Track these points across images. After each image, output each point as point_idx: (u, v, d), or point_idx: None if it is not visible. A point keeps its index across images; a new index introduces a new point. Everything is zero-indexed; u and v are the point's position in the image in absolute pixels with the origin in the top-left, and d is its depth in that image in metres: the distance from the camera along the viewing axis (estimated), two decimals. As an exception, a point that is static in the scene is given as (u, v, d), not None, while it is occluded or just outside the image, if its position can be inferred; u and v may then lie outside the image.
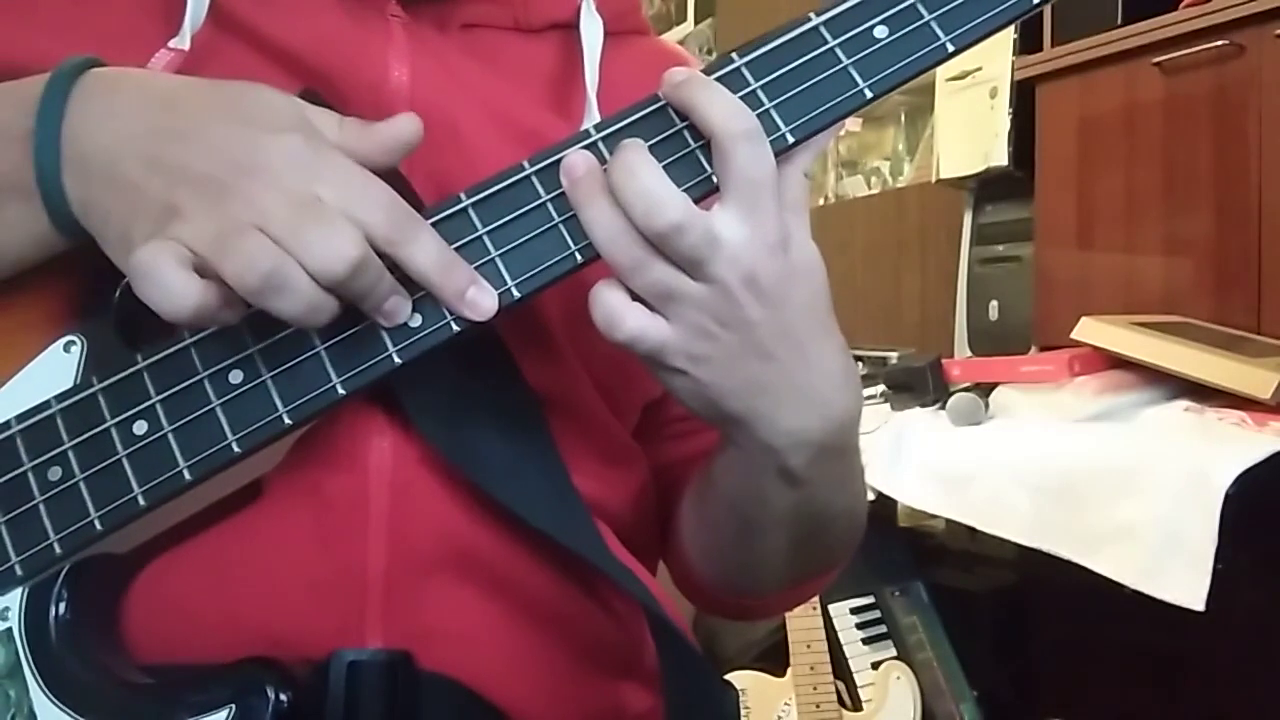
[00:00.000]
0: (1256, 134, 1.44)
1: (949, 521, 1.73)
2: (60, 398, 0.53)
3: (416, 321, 0.52)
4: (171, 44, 0.58)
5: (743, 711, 1.75)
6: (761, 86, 0.53)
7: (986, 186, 1.95)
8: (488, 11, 0.67)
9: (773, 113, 0.53)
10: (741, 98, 0.52)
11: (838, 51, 0.53)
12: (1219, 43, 1.46)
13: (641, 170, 0.50)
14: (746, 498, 0.61)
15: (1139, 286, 1.60)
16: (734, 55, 0.54)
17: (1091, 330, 1.42)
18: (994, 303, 1.90)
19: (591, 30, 0.68)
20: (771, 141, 0.52)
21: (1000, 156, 1.84)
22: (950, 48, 0.54)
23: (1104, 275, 1.65)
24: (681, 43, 3.29)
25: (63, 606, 0.52)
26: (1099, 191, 1.66)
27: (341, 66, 0.60)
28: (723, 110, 0.51)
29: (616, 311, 0.52)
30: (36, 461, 0.52)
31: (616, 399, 0.67)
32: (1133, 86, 1.60)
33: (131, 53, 0.57)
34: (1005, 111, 1.83)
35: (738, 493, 0.61)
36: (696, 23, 3.29)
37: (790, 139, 0.53)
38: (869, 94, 0.53)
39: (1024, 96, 1.78)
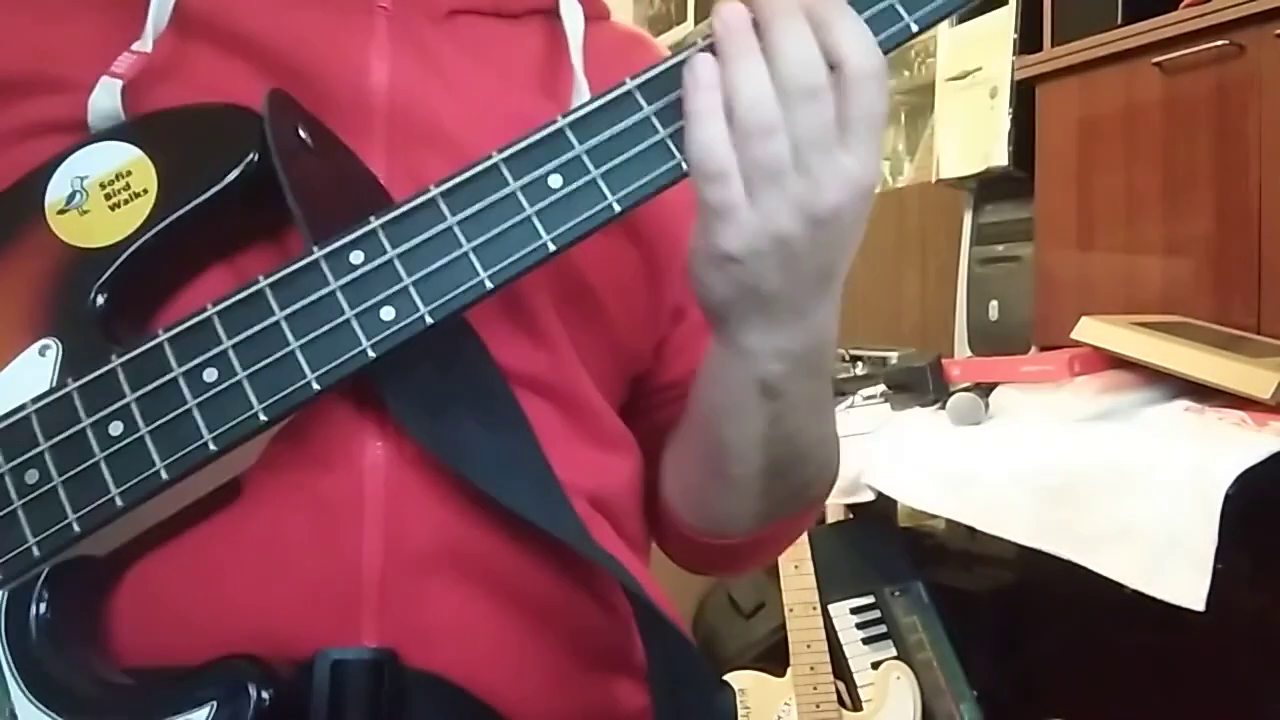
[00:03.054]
0: (1256, 134, 1.44)
1: (949, 521, 1.73)
2: (35, 399, 0.52)
3: (389, 315, 0.52)
4: (134, 47, 0.58)
5: (743, 711, 1.75)
6: None
7: (986, 186, 1.94)
8: None
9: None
10: None
11: None
12: (1219, 43, 1.46)
13: (814, 27, 0.51)
14: (725, 414, 0.61)
15: (1139, 286, 1.60)
16: None
17: (1091, 330, 1.42)
18: (994, 303, 1.90)
19: (572, 14, 0.69)
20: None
21: (1000, 156, 1.84)
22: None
23: (1104, 275, 1.64)
24: (681, 43, 3.29)
25: (44, 609, 0.52)
26: (1099, 191, 1.65)
27: (320, 64, 0.60)
28: (860, 46, 0.52)
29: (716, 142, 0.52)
30: (13, 465, 0.52)
31: (607, 384, 0.67)
32: (1133, 86, 1.59)
33: (95, 59, 0.58)
34: (1005, 111, 1.83)
35: (718, 409, 0.62)
36: (696, 23, 3.29)
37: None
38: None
39: (1024, 96, 1.78)
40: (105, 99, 0.57)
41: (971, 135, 1.90)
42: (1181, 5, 1.51)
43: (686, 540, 0.73)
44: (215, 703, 0.50)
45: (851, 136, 0.52)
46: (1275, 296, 1.42)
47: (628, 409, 0.73)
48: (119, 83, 0.57)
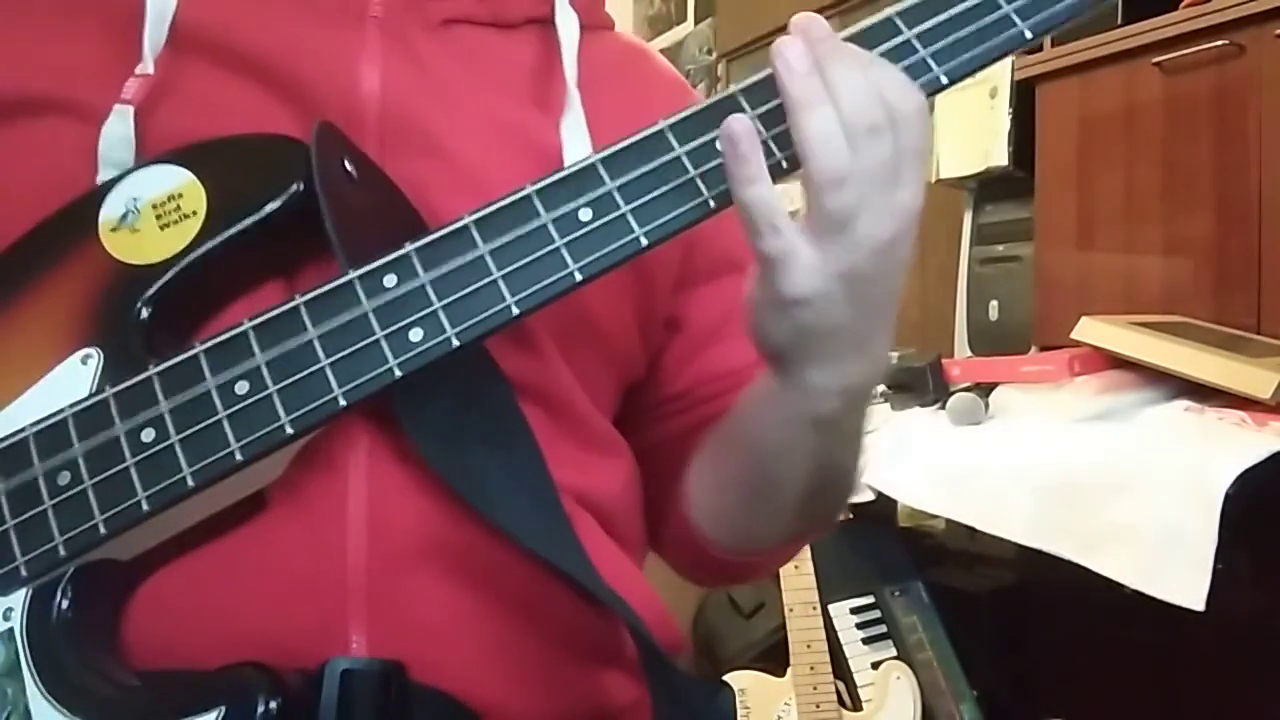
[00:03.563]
0: (1256, 134, 1.44)
1: (949, 521, 1.73)
2: (74, 405, 0.54)
3: (417, 336, 0.53)
4: (137, 70, 0.59)
5: (743, 711, 1.75)
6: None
7: (986, 186, 1.95)
8: (467, 6, 0.67)
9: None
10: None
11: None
12: (1219, 43, 1.46)
13: (864, 69, 0.53)
14: (775, 448, 0.62)
15: (1139, 286, 1.60)
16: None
17: (1091, 330, 1.42)
18: (994, 303, 1.90)
19: (568, 24, 0.69)
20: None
21: (1000, 156, 1.84)
22: (1028, 35, 0.56)
23: (1104, 275, 1.65)
24: (681, 43, 3.29)
25: (65, 609, 0.53)
26: (1099, 191, 1.66)
27: (311, 73, 0.61)
28: (900, 86, 0.53)
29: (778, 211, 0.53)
30: (47, 466, 0.53)
31: (596, 389, 0.67)
32: (1133, 86, 1.59)
33: (99, 79, 0.59)
34: (1005, 111, 1.83)
35: (767, 443, 0.62)
36: (696, 23, 3.29)
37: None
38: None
39: (1024, 96, 1.78)
40: (119, 125, 0.59)
41: (971, 135, 1.90)
42: (1181, 5, 1.51)
43: (708, 557, 0.72)
44: (223, 708, 0.50)
45: (904, 171, 0.53)
46: (1275, 296, 1.42)
47: (632, 420, 0.73)
48: (131, 109, 0.59)
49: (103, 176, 0.58)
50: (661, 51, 0.84)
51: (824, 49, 0.52)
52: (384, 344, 0.53)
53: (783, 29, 0.55)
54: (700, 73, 3.16)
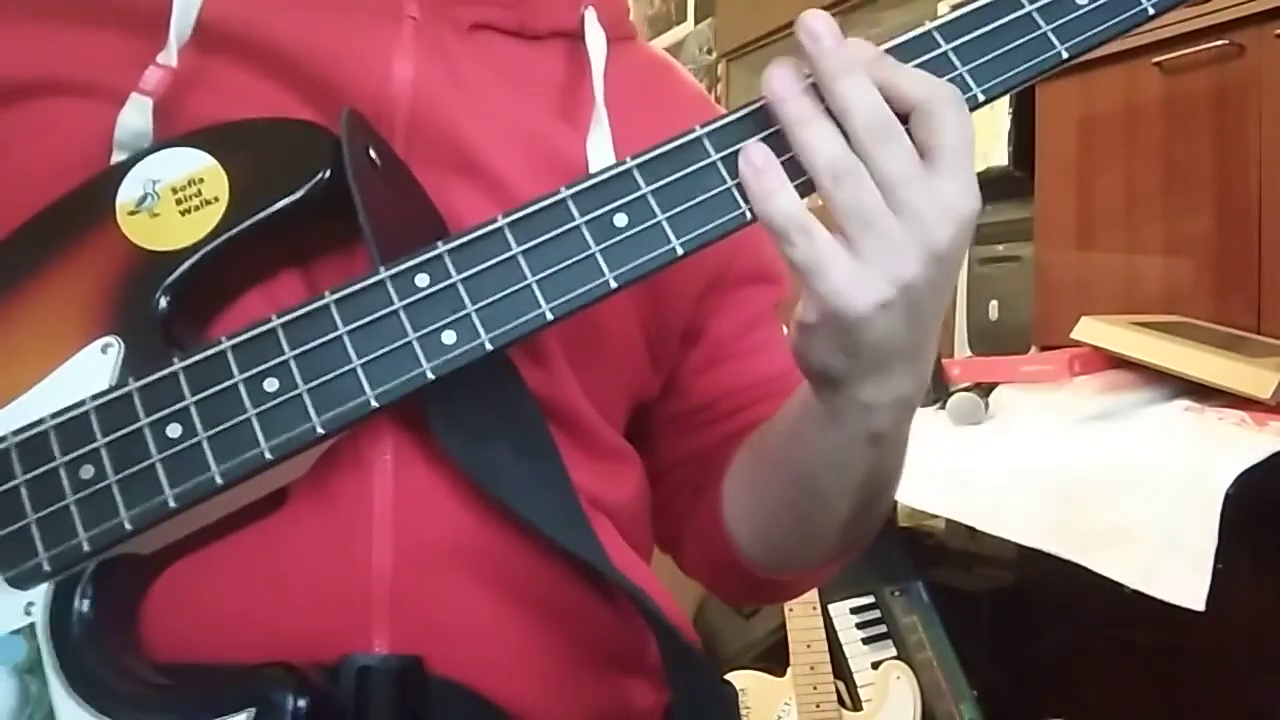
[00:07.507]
0: (1256, 134, 1.44)
1: (949, 521, 1.73)
2: (95, 396, 0.53)
3: (450, 339, 0.52)
4: (159, 59, 0.58)
5: (743, 711, 1.75)
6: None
7: (986, 186, 1.93)
8: (495, 13, 0.67)
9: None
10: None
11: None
12: (1219, 43, 1.46)
13: (866, 72, 0.52)
14: (826, 465, 0.61)
15: (1139, 286, 1.60)
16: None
17: (1091, 330, 1.42)
18: (994, 303, 1.90)
19: (596, 41, 0.68)
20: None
21: (1000, 156, 1.84)
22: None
23: (1104, 275, 1.65)
24: (681, 43, 3.29)
25: (87, 604, 0.52)
26: (1099, 191, 1.66)
27: (341, 71, 0.60)
28: (925, 82, 0.52)
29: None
30: (69, 459, 0.52)
31: (604, 402, 0.67)
32: (1133, 86, 1.60)
33: (120, 67, 0.58)
34: (1005, 111, 1.83)
35: (817, 461, 0.61)
36: (696, 23, 3.29)
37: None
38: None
39: (1024, 96, 1.78)
40: (136, 116, 0.58)
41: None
42: (1181, 5, 1.51)
43: (746, 575, 0.72)
44: (254, 708, 0.50)
45: (942, 164, 0.51)
46: (1275, 296, 1.42)
47: (661, 434, 0.72)
48: (149, 101, 0.58)
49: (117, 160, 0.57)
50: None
51: (831, 66, 0.51)
52: (416, 346, 0.52)
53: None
54: (700, 73, 3.16)
